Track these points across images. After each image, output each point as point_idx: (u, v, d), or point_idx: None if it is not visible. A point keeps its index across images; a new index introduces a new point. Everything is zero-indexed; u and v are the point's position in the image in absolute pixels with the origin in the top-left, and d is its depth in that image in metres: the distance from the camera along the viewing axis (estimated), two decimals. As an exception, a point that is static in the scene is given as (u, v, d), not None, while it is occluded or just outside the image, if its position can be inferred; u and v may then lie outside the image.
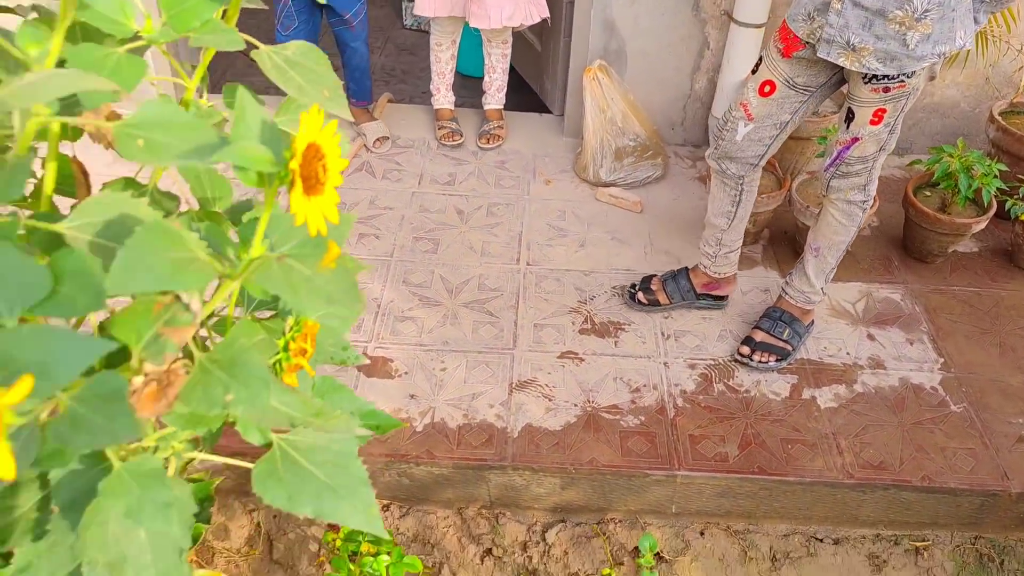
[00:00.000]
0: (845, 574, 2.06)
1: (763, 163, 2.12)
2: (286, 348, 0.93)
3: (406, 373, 2.23)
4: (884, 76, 1.78)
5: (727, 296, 2.45)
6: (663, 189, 3.02)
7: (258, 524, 2.09)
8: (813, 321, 2.39)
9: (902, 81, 1.78)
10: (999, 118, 2.77)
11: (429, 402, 2.15)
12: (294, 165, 0.66)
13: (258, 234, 0.74)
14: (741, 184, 2.16)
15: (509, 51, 3.10)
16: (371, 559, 1.62)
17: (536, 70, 3.51)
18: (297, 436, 0.97)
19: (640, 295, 2.43)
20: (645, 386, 2.23)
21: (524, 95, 3.56)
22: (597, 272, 2.61)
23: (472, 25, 2.88)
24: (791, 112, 1.99)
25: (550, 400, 2.18)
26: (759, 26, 2.81)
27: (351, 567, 1.61)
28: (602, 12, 2.93)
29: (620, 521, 2.09)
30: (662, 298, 2.42)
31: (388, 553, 1.65)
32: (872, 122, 1.86)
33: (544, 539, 2.07)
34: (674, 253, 2.71)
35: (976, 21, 1.75)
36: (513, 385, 2.21)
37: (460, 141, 3.16)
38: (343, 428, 0.95)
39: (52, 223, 0.74)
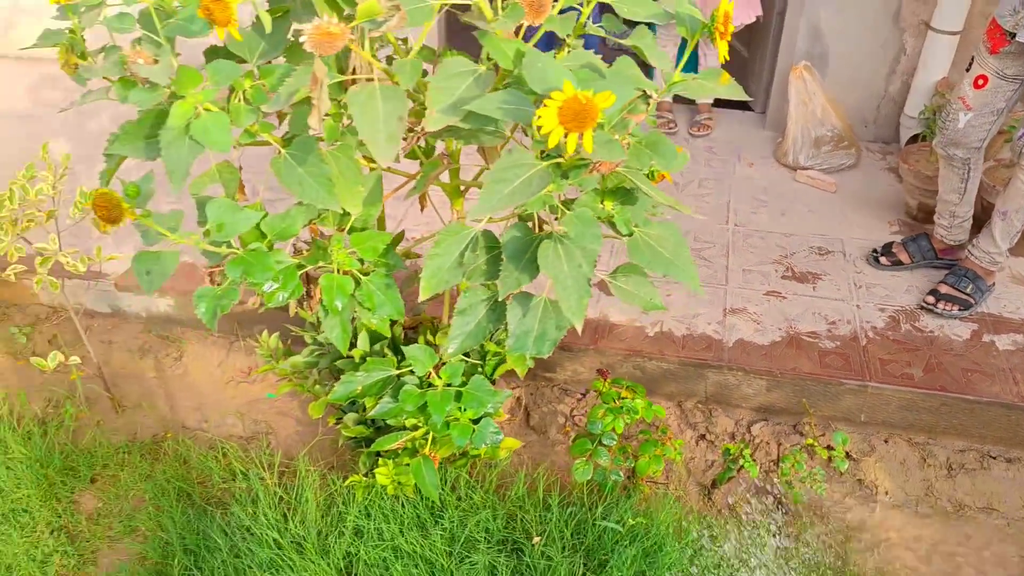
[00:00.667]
0: (1016, 488, 2.38)
1: (984, 146, 2.50)
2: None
3: (638, 295, 2.74)
4: (1076, 54, 2.16)
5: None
6: (855, 175, 3.41)
7: (519, 398, 2.63)
8: (995, 284, 2.72)
9: (1092, 58, 2.15)
10: None
11: (657, 316, 2.65)
12: (721, 18, 1.19)
13: (679, 67, 1.27)
14: (968, 165, 2.56)
15: None
16: (629, 400, 2.12)
17: (742, 73, 3.99)
18: (646, 230, 1.50)
19: (883, 258, 2.85)
20: (840, 320, 2.64)
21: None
22: (796, 235, 3.04)
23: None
24: (1005, 100, 2.38)
25: (758, 324, 2.63)
26: (955, 33, 3.19)
27: (614, 403, 2.12)
28: (811, 20, 3.39)
29: (815, 424, 2.50)
30: (904, 258, 2.83)
31: (640, 399, 2.15)
32: (1063, 95, 2.23)
33: (749, 431, 2.51)
34: (866, 226, 3.10)
35: None
36: (726, 311, 2.68)
37: (675, 129, 3.67)
38: (685, 211, 1.46)
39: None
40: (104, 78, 1.65)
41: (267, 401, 2.66)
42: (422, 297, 1.47)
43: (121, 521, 2.20)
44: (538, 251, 1.37)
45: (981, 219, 2.81)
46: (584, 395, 2.60)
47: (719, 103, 3.84)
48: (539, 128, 1.07)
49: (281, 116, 1.63)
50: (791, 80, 3.38)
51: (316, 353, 2.14)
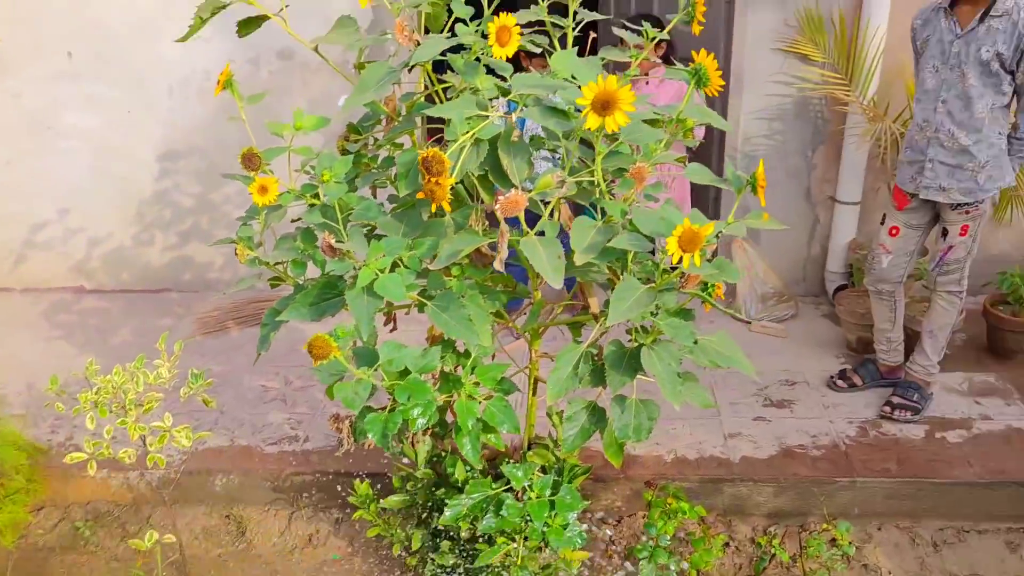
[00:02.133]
0: (989, 555, 2.83)
1: (904, 280, 3.17)
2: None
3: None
4: (965, 203, 2.87)
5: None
6: (798, 324, 4.06)
7: (562, 529, 2.96)
8: (933, 393, 3.31)
9: (977, 206, 2.88)
10: (1044, 257, 3.82)
11: (671, 444, 3.09)
12: (760, 175, 1.76)
13: (731, 214, 1.82)
14: (894, 297, 3.22)
15: None
16: (675, 504, 2.51)
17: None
18: (707, 338, 1.97)
19: (840, 382, 3.42)
20: (819, 434, 3.14)
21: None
22: (765, 372, 3.60)
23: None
24: (915, 243, 3.09)
25: (755, 443, 3.10)
26: (856, 203, 3.99)
27: (665, 508, 2.50)
28: (742, 202, 4.14)
29: (817, 523, 2.93)
30: (857, 381, 3.41)
31: (684, 502, 2.54)
32: (960, 234, 2.93)
33: (766, 533, 2.91)
34: (819, 360, 3.70)
35: (1014, 169, 2.87)
36: (726, 435, 3.15)
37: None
38: (739, 316, 1.97)
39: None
40: (265, 265, 2.10)
41: (333, 563, 2.90)
42: (549, 402, 1.90)
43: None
44: (640, 357, 1.84)
45: (909, 343, 3.43)
46: (620, 521, 2.97)
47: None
48: (664, 250, 1.58)
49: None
50: (734, 251, 4.08)
51: (410, 492, 2.47)
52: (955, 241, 2.96)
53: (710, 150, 4.33)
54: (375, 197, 2.25)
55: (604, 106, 1.55)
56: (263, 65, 4.18)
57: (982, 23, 2.68)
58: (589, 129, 1.57)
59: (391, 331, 2.41)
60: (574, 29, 2.04)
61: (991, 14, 2.66)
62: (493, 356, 2.44)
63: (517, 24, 1.70)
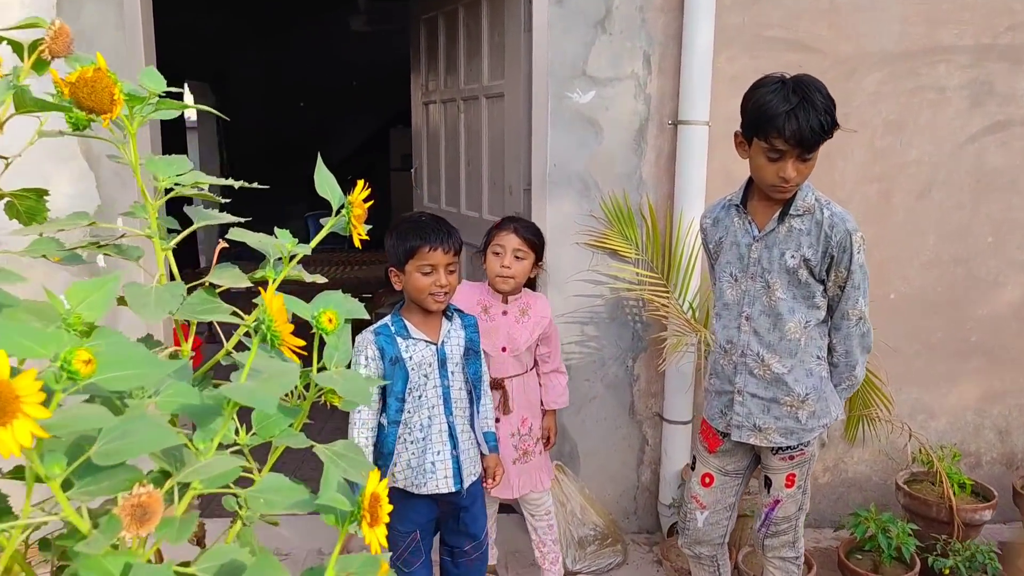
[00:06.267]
0: None
1: (727, 540, 2.45)
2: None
3: None
4: (788, 447, 2.22)
5: None
6: (626, 574, 3.26)
7: None
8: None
9: (802, 449, 2.22)
10: (904, 486, 3.20)
11: None
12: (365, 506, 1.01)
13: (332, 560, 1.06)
14: (716, 562, 2.48)
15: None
16: None
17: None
18: None
19: None
20: None
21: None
22: (573, 656, 2.75)
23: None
24: (734, 495, 2.39)
25: None
26: (686, 423, 3.33)
27: None
28: (556, 423, 3.44)
29: None
30: None
31: None
32: (787, 485, 2.26)
33: None
34: (644, 632, 2.88)
35: (841, 399, 2.26)
36: None
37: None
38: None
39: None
40: None
41: None
42: None
43: None
44: None
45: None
46: None
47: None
48: None
49: None
50: (545, 482, 3.32)
51: None
52: (781, 494, 2.28)
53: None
54: None
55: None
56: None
57: (782, 223, 2.13)
58: None
59: None
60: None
61: (790, 213, 2.12)
62: None
63: None
